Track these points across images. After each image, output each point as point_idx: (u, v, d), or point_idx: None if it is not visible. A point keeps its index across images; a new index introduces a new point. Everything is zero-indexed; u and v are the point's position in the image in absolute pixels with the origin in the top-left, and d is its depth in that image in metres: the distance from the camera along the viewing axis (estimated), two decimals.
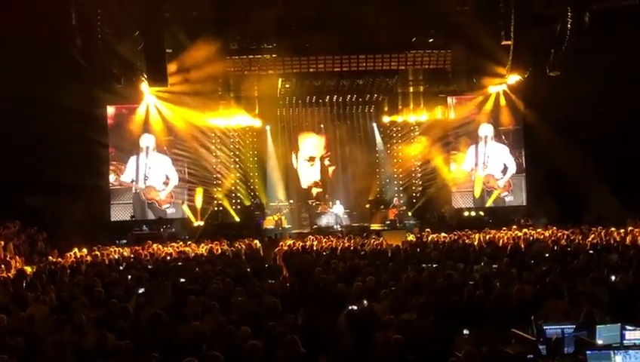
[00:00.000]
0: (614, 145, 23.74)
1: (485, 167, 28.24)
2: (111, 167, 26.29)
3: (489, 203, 27.99)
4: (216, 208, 27.36)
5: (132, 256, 18.04)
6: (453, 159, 28.11)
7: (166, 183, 26.83)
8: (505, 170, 28.21)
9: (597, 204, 23.92)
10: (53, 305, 10.56)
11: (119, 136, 26.54)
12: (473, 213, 27.48)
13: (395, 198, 28.71)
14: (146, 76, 23.65)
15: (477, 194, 27.99)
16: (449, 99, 28.16)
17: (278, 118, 29.00)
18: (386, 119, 29.37)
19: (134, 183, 26.57)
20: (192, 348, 7.88)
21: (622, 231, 18.08)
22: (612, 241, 16.92)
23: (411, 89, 28.65)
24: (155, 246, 19.69)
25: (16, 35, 19.49)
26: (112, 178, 26.33)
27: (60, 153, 22.82)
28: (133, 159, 26.67)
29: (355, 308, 9.94)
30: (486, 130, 28.22)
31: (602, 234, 18.12)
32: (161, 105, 25.99)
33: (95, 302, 10.70)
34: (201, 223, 26.14)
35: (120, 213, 26.44)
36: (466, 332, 8.48)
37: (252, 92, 27.87)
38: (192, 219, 26.35)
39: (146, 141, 26.67)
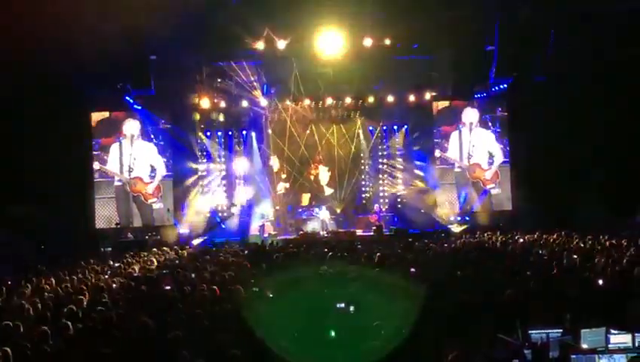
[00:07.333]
0: (604, 150, 23.95)
1: (470, 157, 27.40)
2: (93, 154, 25.37)
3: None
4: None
5: (119, 264, 17.82)
6: (437, 148, 27.57)
7: (152, 176, 25.85)
8: (491, 159, 27.41)
9: (584, 206, 23.95)
10: (38, 315, 10.47)
11: (102, 130, 25.67)
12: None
13: (376, 205, 28.64)
14: (130, 84, 23.68)
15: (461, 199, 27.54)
16: (434, 105, 27.90)
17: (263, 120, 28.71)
18: (370, 124, 29.29)
19: (119, 173, 25.53)
20: (175, 356, 7.86)
21: (607, 236, 18.06)
22: (598, 245, 16.94)
23: (396, 94, 28.37)
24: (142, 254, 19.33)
25: None
26: (95, 166, 25.26)
27: (41, 160, 22.61)
28: (115, 146, 25.54)
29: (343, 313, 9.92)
30: (470, 115, 27.40)
31: (588, 237, 18.15)
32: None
33: (81, 311, 10.63)
34: (187, 231, 25.96)
35: (104, 208, 25.44)
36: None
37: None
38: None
39: (131, 127, 25.61)
